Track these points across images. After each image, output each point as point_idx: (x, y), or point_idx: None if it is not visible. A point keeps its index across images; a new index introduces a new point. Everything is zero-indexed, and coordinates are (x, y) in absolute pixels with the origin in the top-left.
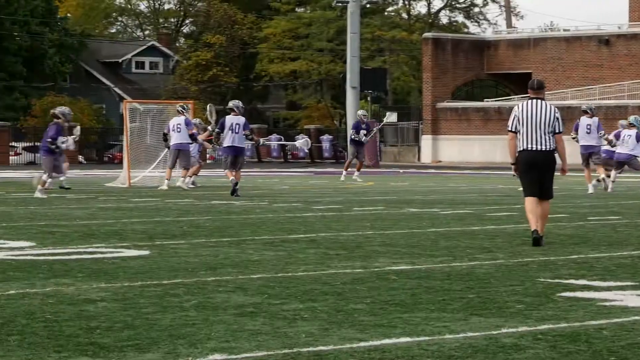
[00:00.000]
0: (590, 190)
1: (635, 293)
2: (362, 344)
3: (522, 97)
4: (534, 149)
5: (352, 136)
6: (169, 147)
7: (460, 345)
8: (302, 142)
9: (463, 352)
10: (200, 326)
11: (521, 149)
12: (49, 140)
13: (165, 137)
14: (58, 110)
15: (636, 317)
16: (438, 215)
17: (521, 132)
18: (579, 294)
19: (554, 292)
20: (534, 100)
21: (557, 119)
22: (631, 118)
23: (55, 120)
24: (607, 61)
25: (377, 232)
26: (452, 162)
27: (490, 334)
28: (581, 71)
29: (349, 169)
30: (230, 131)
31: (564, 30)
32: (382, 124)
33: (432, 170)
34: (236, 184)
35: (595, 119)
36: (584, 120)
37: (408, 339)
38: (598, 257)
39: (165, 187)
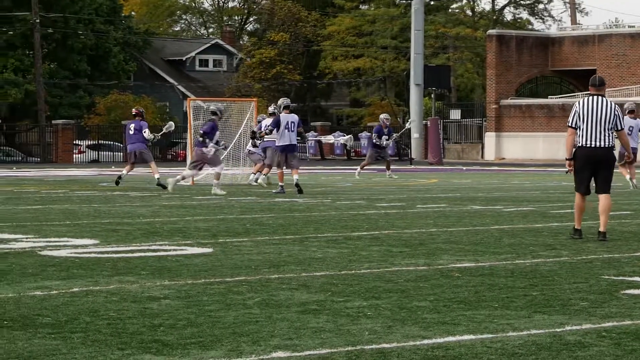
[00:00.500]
0: (631, 187)
1: None
2: (426, 341)
3: (586, 94)
4: (594, 145)
5: (374, 140)
6: (255, 145)
7: (524, 343)
8: (346, 139)
9: (527, 350)
10: (263, 323)
11: (580, 144)
12: (202, 133)
13: (254, 135)
14: (214, 107)
15: None
16: (501, 212)
17: (581, 128)
18: None
19: (618, 290)
20: (595, 97)
21: (618, 116)
22: None
23: (211, 117)
24: None
25: (441, 230)
26: (515, 160)
27: (554, 332)
28: None
29: (365, 168)
30: (286, 130)
31: (629, 26)
32: (403, 130)
33: (496, 168)
34: (282, 187)
35: (638, 120)
36: (627, 121)
37: (472, 337)
38: None
39: (261, 182)
